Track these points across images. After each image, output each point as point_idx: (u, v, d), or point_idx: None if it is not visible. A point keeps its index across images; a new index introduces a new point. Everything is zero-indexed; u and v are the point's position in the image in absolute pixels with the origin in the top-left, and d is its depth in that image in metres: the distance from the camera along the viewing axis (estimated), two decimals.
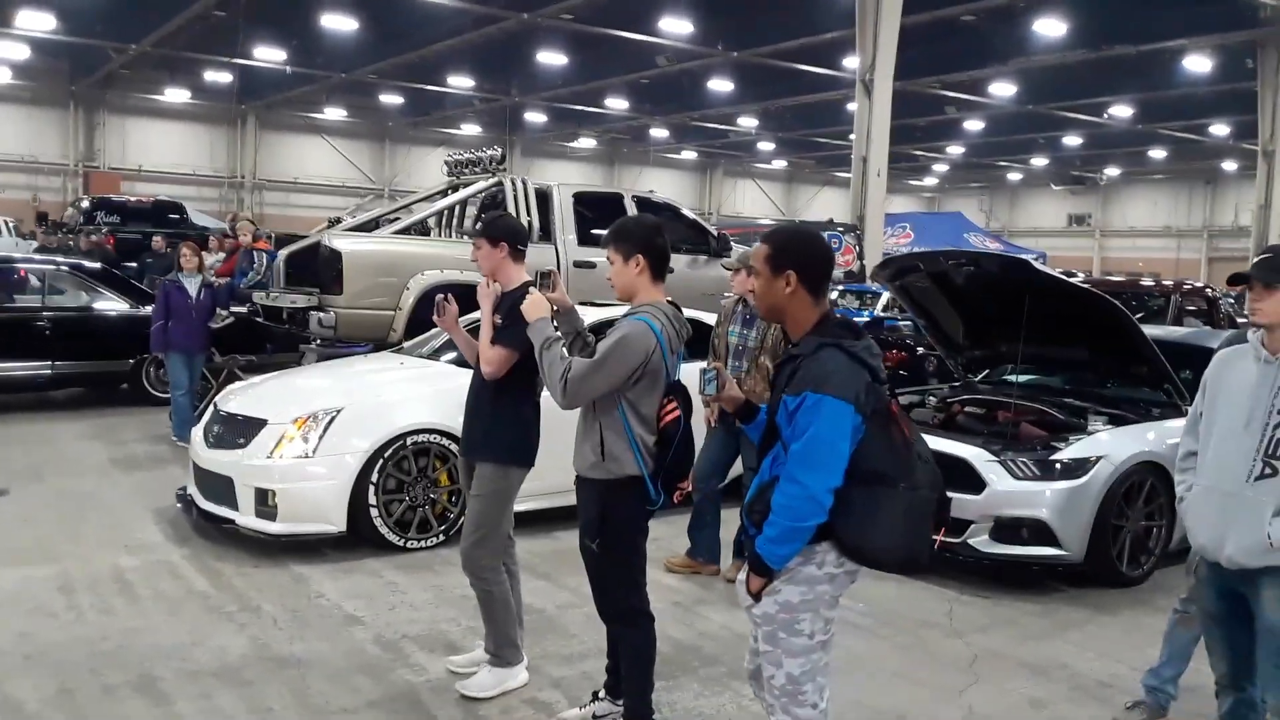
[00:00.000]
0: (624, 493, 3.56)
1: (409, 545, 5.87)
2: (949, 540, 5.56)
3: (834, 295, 15.59)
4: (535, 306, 3.63)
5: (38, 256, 15.00)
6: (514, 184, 9.62)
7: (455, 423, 5.95)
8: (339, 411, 5.82)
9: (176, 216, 22.91)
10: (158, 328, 8.60)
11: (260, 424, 5.88)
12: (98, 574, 5.42)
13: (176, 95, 35.19)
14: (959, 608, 5.38)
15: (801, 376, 2.75)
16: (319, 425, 5.75)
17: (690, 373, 3.56)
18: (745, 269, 5.40)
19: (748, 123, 36.02)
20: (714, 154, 45.40)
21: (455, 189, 10.34)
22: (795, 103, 30.70)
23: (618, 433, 3.52)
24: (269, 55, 27.99)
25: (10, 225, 26.08)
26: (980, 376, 7.17)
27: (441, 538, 5.97)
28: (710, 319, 6.19)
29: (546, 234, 9.42)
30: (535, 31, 24.40)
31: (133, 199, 25.20)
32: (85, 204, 23.27)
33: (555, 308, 3.74)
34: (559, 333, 3.65)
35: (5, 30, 26.38)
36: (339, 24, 23.81)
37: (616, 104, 33.82)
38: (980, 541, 5.57)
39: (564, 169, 41.15)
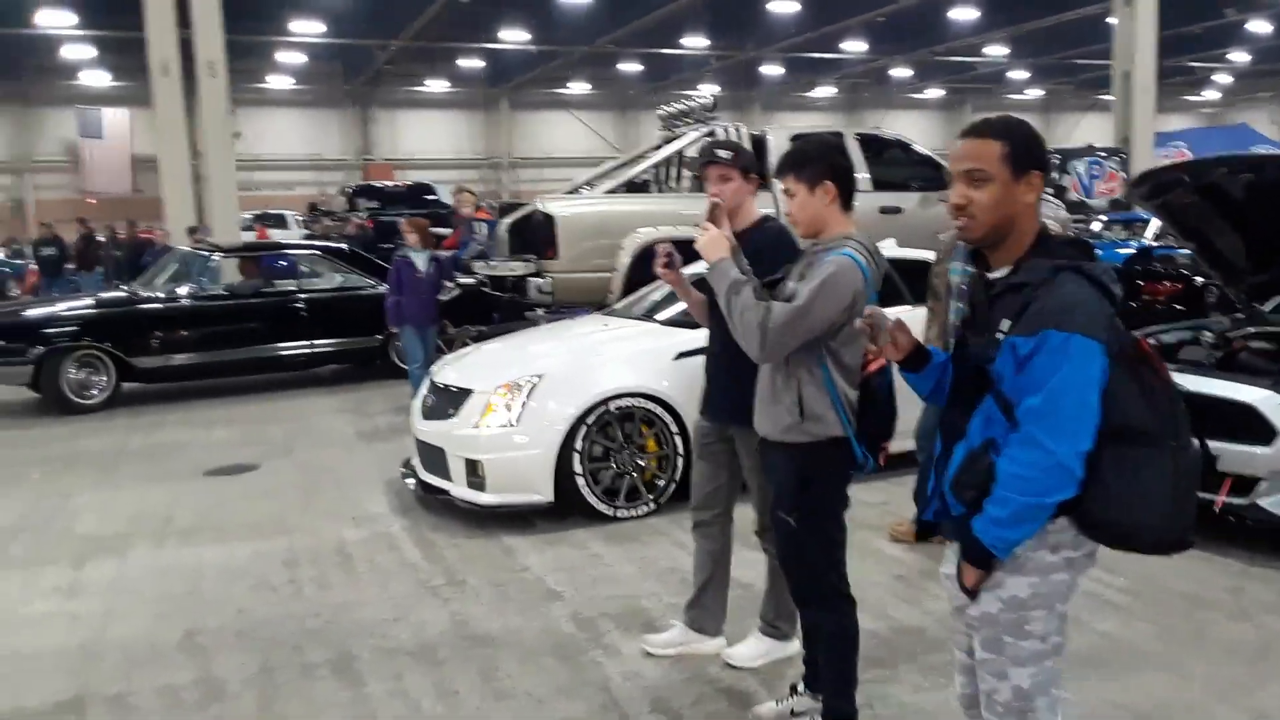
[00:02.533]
0: (826, 457, 3.11)
1: (618, 515, 5.65)
2: (1232, 501, 4.71)
3: (1096, 226, 14.17)
4: (715, 244, 3.16)
5: (294, 242, 16.08)
6: (726, 131, 9.19)
7: (660, 385, 5.72)
8: (540, 378, 5.66)
9: (430, 197, 24.12)
10: (392, 303, 8.86)
11: (467, 394, 5.82)
12: (322, 547, 5.54)
13: (436, 85, 37.74)
14: (1247, 583, 4.52)
15: (1038, 310, 2.14)
16: (521, 393, 5.61)
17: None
18: None
19: (996, 52, 33.62)
20: (961, 89, 42.86)
21: (670, 142, 10.02)
22: (1048, 23, 28.24)
23: (819, 387, 3.07)
24: (514, 36, 29.14)
25: (299, 219, 28.33)
26: (1271, 305, 6.09)
27: (652, 506, 5.72)
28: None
29: (764, 181, 8.92)
30: None
31: (390, 184, 26.73)
32: (349, 191, 24.96)
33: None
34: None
35: (285, 39, 28.91)
36: None
37: (854, 47, 32.52)
38: (1273, 502, 4.67)
39: (804, 120, 40.12)
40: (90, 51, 29.89)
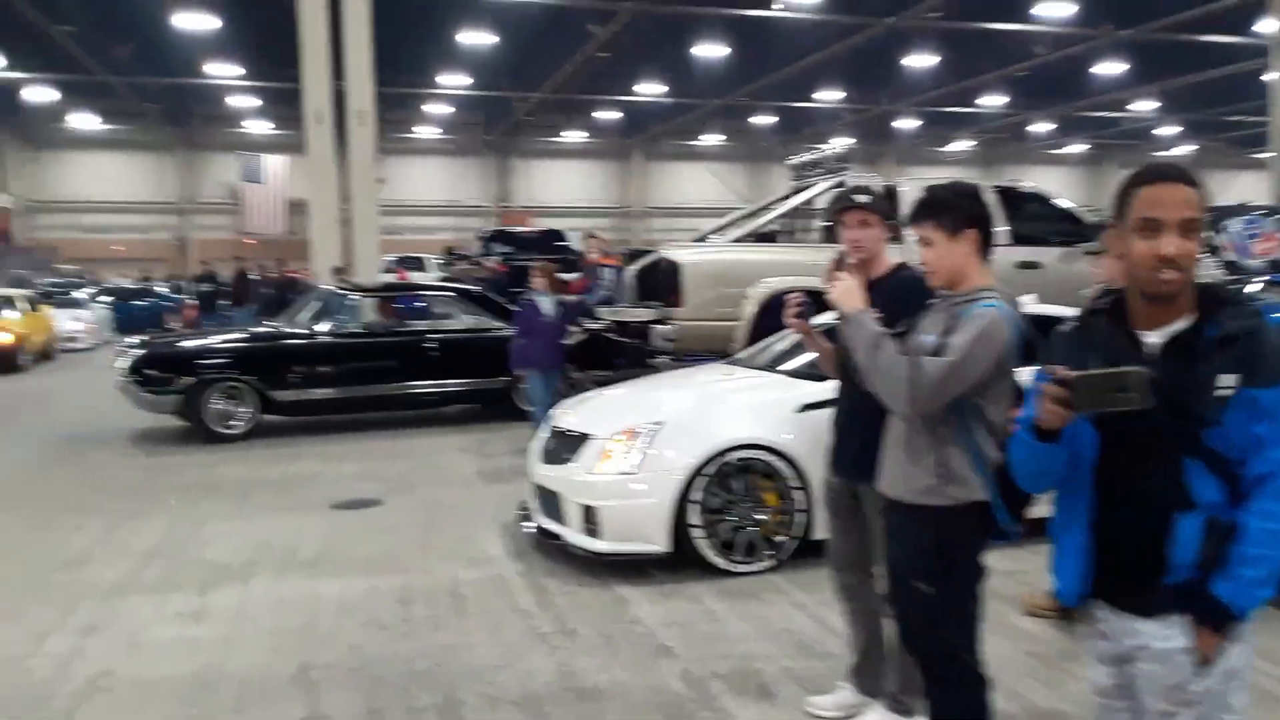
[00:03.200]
0: (967, 522, 2.91)
1: (735, 569, 5.49)
2: None
3: (1257, 288, 13.36)
4: (850, 294, 3.02)
5: (427, 284, 16.52)
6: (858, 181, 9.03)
7: (781, 438, 5.55)
8: (660, 426, 5.58)
9: (560, 243, 24.54)
10: (517, 346, 8.95)
11: (585, 439, 5.78)
12: (436, 587, 5.55)
13: (573, 136, 38.84)
14: None
15: (1271, 360, 2.08)
16: (640, 440, 5.53)
17: None
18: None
19: (1143, 107, 32.51)
20: (1105, 145, 41.65)
21: (799, 192, 9.91)
22: (1199, 79, 27.17)
23: (964, 448, 2.87)
24: (651, 89, 29.72)
25: (436, 262, 29.22)
26: None
27: (770, 562, 5.53)
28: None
29: (896, 232, 8.73)
30: (902, 35, 23.65)
31: (522, 229, 27.35)
32: (483, 236, 25.63)
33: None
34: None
35: (432, 91, 30.23)
36: (712, 52, 24.71)
37: (992, 101, 32.00)
38: None
39: (939, 173, 39.44)
40: (254, 101, 31.74)
